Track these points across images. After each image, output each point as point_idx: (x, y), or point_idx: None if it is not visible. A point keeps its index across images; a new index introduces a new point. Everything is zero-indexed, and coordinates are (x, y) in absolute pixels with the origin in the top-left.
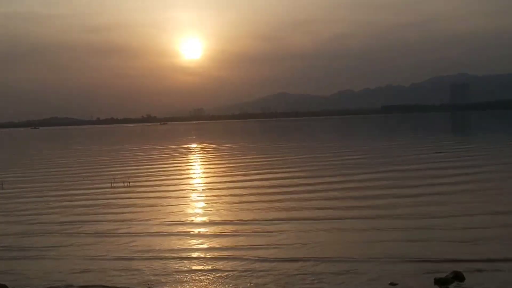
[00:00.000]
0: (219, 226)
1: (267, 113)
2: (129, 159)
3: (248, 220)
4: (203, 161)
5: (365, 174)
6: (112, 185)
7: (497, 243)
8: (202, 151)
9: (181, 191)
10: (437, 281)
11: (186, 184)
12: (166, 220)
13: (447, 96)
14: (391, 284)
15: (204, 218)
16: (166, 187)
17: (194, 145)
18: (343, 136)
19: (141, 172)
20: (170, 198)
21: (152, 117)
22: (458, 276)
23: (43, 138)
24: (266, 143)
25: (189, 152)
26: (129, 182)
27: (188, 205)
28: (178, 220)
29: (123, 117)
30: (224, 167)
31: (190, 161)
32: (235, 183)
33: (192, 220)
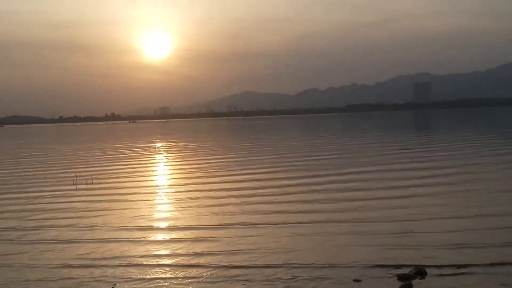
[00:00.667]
0: (181, 232)
1: (233, 112)
2: (94, 158)
3: (209, 225)
4: (169, 161)
5: (328, 176)
6: (75, 185)
7: (464, 248)
8: (168, 150)
9: (144, 194)
10: (400, 277)
11: (149, 185)
12: (126, 225)
13: (411, 95)
14: (355, 280)
15: (165, 223)
16: (129, 188)
17: (160, 144)
18: (308, 134)
19: (106, 172)
20: (132, 201)
21: (116, 116)
22: (420, 272)
23: (6, 136)
24: (231, 142)
25: (155, 151)
26: (92, 183)
27: (150, 208)
28: (138, 225)
29: (86, 116)
30: (189, 167)
31: (155, 160)
32: (199, 185)
33: (152, 226)
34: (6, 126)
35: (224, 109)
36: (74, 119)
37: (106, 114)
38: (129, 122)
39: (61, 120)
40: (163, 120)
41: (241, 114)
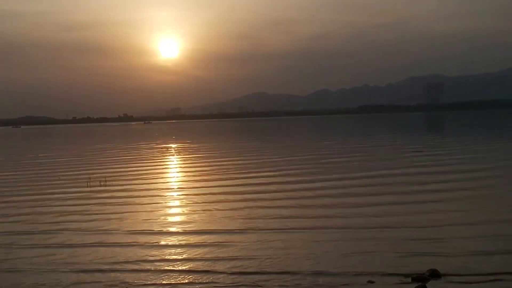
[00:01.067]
0: (196, 236)
1: (244, 113)
2: (108, 159)
3: (224, 230)
4: (182, 162)
5: (343, 179)
6: (89, 187)
7: (482, 256)
8: (181, 151)
9: (157, 196)
10: (414, 278)
11: (163, 188)
12: (140, 229)
13: (423, 96)
14: (369, 282)
15: (180, 227)
16: (143, 191)
17: (173, 145)
18: (321, 136)
19: (120, 173)
20: (146, 203)
21: (129, 117)
22: (434, 274)
23: (20, 137)
24: (244, 144)
25: (169, 152)
26: (106, 184)
27: (164, 211)
28: (151, 229)
29: (100, 116)
30: (203, 169)
31: (169, 162)
32: (213, 187)
33: (166, 230)
34: (22, 127)
35: (235, 110)
36: (88, 120)
37: (119, 115)
38: (144, 123)
39: (75, 121)
40: (175, 121)
41: (252, 115)
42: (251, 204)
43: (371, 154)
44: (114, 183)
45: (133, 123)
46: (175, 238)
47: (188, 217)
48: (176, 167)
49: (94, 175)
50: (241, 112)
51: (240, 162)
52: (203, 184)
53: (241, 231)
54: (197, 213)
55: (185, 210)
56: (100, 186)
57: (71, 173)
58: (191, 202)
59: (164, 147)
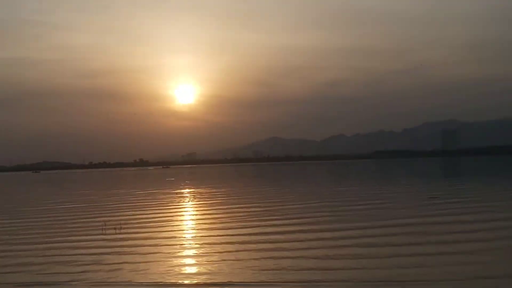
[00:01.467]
0: None
1: (259, 158)
2: (124, 205)
3: (245, 282)
4: (198, 209)
5: (365, 228)
6: (104, 235)
7: None
8: (198, 197)
9: (174, 245)
10: None
11: (180, 236)
12: (150, 280)
13: (439, 141)
14: None
15: (191, 279)
16: (159, 239)
17: (190, 190)
18: (337, 182)
19: (135, 219)
20: (161, 253)
21: (144, 161)
22: None
23: (42, 182)
24: (261, 189)
25: (185, 198)
26: (121, 231)
27: (176, 261)
28: (162, 281)
29: (116, 161)
30: (220, 216)
31: (185, 208)
32: (232, 236)
33: (178, 281)
34: (42, 172)
35: (251, 154)
36: (104, 164)
37: (134, 160)
38: (162, 167)
39: (91, 166)
40: (190, 165)
41: (267, 159)
42: (269, 254)
43: (388, 201)
44: (129, 230)
45: (151, 167)
46: None
47: (205, 268)
48: (192, 214)
49: (110, 221)
50: (257, 157)
51: (257, 208)
52: (220, 232)
53: (260, 284)
54: (213, 263)
55: (201, 260)
56: (115, 233)
57: (86, 219)
58: (208, 251)
59: (180, 193)
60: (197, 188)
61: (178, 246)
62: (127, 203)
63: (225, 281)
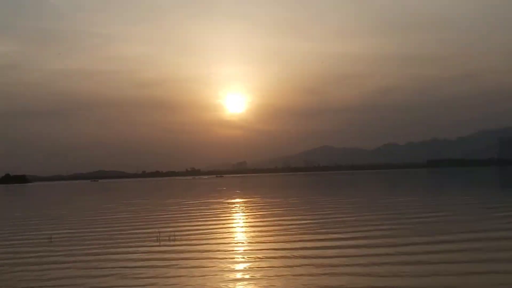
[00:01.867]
0: None
1: (310, 167)
2: (178, 215)
3: None
4: (254, 220)
5: (423, 244)
6: (159, 246)
7: None
8: (253, 207)
9: (224, 259)
10: None
11: (231, 248)
12: None
13: (495, 150)
14: None
15: None
16: (211, 252)
17: (245, 200)
18: (394, 191)
19: (189, 229)
20: (212, 267)
21: (196, 170)
22: None
23: (99, 191)
24: (315, 199)
25: (240, 207)
26: (175, 240)
27: (229, 276)
28: None
29: (168, 170)
30: (275, 228)
31: (240, 218)
32: (287, 250)
33: None
34: (100, 181)
35: (301, 164)
36: (157, 174)
37: (186, 169)
38: (216, 176)
39: (145, 175)
40: (241, 174)
41: (318, 169)
42: (326, 270)
43: (447, 213)
44: (182, 241)
45: (205, 176)
46: None
47: (258, 285)
48: (245, 225)
49: (164, 232)
50: (307, 166)
51: (312, 220)
52: (274, 245)
53: None
54: (268, 279)
55: (256, 275)
56: (169, 245)
57: (140, 230)
58: (262, 266)
59: (233, 203)
60: (250, 198)
61: (231, 259)
62: (181, 213)
63: None
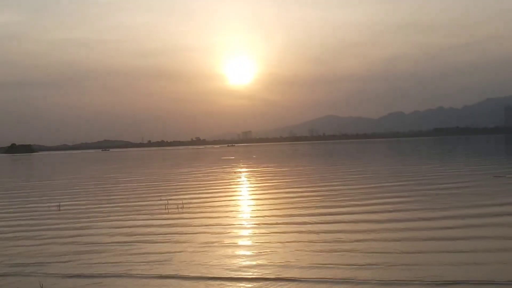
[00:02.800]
0: (270, 283)
1: (315, 136)
2: (191, 183)
3: (303, 278)
4: (264, 190)
5: (442, 218)
6: (167, 210)
7: None
8: (264, 176)
9: (231, 233)
10: None
11: (240, 221)
12: (200, 274)
13: (501, 118)
14: None
15: (252, 274)
16: (218, 226)
17: (254, 169)
18: (400, 160)
19: (196, 198)
20: (217, 242)
21: (201, 140)
22: None
23: (102, 160)
24: (326, 168)
25: (249, 177)
26: (183, 207)
27: (236, 251)
28: (217, 275)
29: (173, 140)
30: (287, 199)
31: (249, 188)
32: (297, 225)
33: (239, 276)
34: (111, 150)
35: (306, 133)
36: (162, 143)
37: (192, 139)
38: (228, 146)
39: (150, 144)
40: (247, 144)
41: (323, 138)
42: (341, 246)
43: (460, 183)
44: (190, 211)
45: (217, 146)
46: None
47: (268, 260)
48: (256, 196)
49: (172, 201)
50: (312, 136)
51: (326, 191)
52: (287, 218)
53: (336, 281)
54: (278, 254)
55: (263, 250)
56: (177, 213)
57: (148, 199)
58: (272, 240)
59: (243, 172)
60: (260, 167)
61: (240, 233)
62: (191, 182)
63: (291, 276)
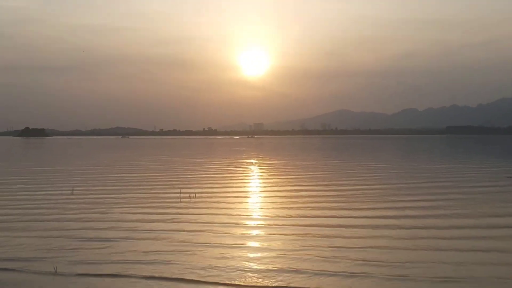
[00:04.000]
0: (284, 275)
1: (327, 130)
2: (203, 173)
3: (322, 271)
4: (279, 184)
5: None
6: (179, 198)
7: None
8: (278, 169)
9: (242, 230)
10: None
11: (252, 215)
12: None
13: None
14: None
15: (265, 282)
16: (231, 210)
17: (268, 161)
18: (421, 157)
19: (209, 189)
20: (227, 225)
21: (213, 130)
22: None
23: (120, 147)
24: (342, 163)
25: (262, 169)
26: (195, 197)
27: (246, 253)
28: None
29: (185, 129)
30: (304, 193)
31: (262, 180)
32: (314, 228)
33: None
34: (130, 137)
35: (318, 127)
36: (174, 132)
37: (203, 128)
38: (248, 137)
39: (162, 132)
40: (257, 136)
41: (335, 132)
42: (365, 242)
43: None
44: (202, 202)
45: (236, 136)
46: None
47: (282, 263)
48: (270, 189)
49: (185, 190)
50: (324, 130)
51: (344, 186)
52: (302, 219)
53: (349, 275)
54: (291, 259)
55: (274, 244)
56: (189, 204)
57: (162, 187)
58: (286, 239)
59: (255, 163)
60: (273, 160)
61: (251, 230)
62: (207, 172)
63: (308, 268)
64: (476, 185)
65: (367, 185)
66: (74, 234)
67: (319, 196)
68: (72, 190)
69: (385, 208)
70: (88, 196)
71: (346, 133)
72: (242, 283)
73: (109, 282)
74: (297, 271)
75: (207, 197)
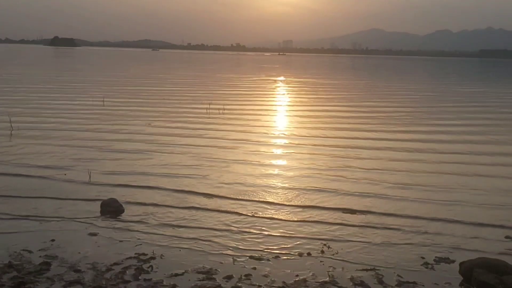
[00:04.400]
0: (306, 210)
1: (358, 50)
2: (238, 89)
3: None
4: (311, 102)
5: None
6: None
7: None
8: (311, 88)
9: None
10: None
11: (278, 129)
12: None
13: None
14: None
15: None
16: (259, 128)
17: (301, 79)
18: (432, 79)
19: (238, 105)
20: (256, 142)
21: (241, 46)
22: None
23: (154, 59)
24: (377, 83)
25: (294, 87)
26: (224, 112)
27: (267, 152)
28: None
29: (213, 44)
30: (336, 113)
31: (293, 98)
32: (343, 149)
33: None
34: (161, 50)
35: (349, 46)
36: (202, 47)
37: (231, 44)
38: (279, 54)
39: (190, 47)
40: (285, 53)
41: (366, 52)
42: (400, 165)
43: None
44: (234, 116)
45: (267, 53)
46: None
47: (309, 173)
48: (302, 107)
49: (213, 106)
50: (355, 49)
51: (382, 107)
52: (333, 134)
53: (384, 196)
54: (322, 170)
55: (305, 163)
56: (218, 117)
57: (191, 101)
58: (315, 153)
59: (286, 81)
60: (304, 78)
61: (281, 148)
62: (232, 88)
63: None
64: None
65: (403, 107)
66: (107, 145)
67: (350, 117)
68: (103, 100)
69: (421, 131)
70: (120, 108)
71: (377, 53)
72: (271, 201)
73: (142, 193)
74: (327, 191)
75: (237, 113)
